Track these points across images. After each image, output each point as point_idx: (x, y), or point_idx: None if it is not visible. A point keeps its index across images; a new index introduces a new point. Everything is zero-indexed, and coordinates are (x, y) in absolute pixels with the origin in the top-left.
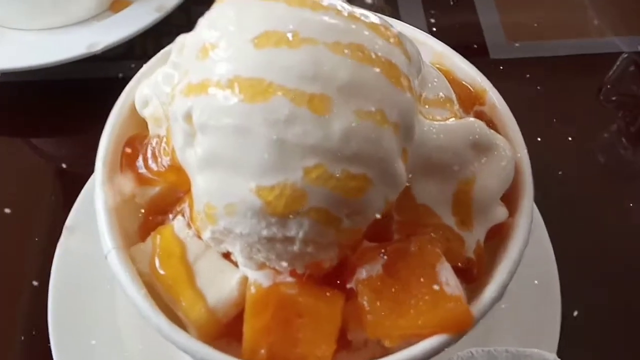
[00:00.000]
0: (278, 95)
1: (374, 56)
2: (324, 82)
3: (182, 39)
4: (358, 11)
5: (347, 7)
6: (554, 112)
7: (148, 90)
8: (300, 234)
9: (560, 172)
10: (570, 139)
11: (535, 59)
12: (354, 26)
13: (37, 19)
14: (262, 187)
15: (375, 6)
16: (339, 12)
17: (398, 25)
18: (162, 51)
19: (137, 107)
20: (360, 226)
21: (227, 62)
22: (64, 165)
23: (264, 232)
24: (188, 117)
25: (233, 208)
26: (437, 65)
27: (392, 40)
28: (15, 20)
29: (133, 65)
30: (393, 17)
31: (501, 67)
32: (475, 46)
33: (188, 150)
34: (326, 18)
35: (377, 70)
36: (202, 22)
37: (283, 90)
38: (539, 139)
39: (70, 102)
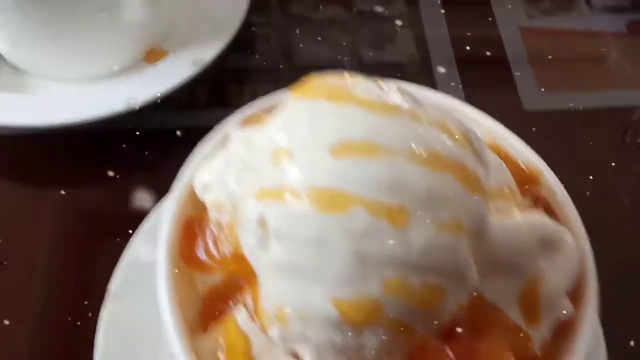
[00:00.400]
0: (356, 207)
1: (448, 161)
2: (401, 193)
3: (248, 134)
4: (428, 107)
5: (415, 102)
6: (590, 166)
7: (209, 177)
8: (374, 343)
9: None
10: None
11: (570, 110)
12: (425, 128)
13: (71, 70)
14: (339, 298)
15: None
16: (409, 113)
17: (450, 101)
18: (219, 135)
19: (197, 191)
20: (432, 332)
21: (302, 170)
22: (100, 220)
23: (338, 340)
24: (261, 221)
25: (306, 315)
26: (489, 142)
27: (462, 138)
28: (48, 69)
29: (168, 115)
30: None
31: (534, 119)
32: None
33: (259, 251)
34: (399, 122)
35: (452, 177)
36: (274, 125)
37: (361, 202)
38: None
39: (104, 152)
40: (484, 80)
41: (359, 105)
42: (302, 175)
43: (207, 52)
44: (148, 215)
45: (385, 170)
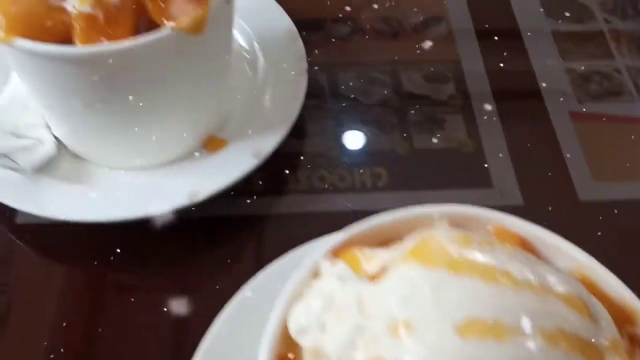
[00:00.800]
0: None
1: (574, 341)
2: None
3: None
4: (548, 276)
5: (536, 270)
6: None
7: (305, 319)
8: None
9: None
10: None
11: (627, 201)
12: (551, 304)
13: (132, 159)
14: None
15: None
16: (531, 286)
17: (535, 230)
18: (308, 267)
19: (292, 331)
20: None
21: (427, 348)
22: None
23: None
24: None
25: None
26: (578, 276)
27: (583, 311)
28: (109, 159)
29: (222, 202)
30: None
31: (590, 209)
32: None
33: None
34: (523, 298)
35: (577, 355)
36: (393, 299)
37: None
38: None
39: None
40: (539, 174)
41: (484, 279)
42: (426, 353)
43: (266, 143)
44: (209, 330)
45: (513, 355)
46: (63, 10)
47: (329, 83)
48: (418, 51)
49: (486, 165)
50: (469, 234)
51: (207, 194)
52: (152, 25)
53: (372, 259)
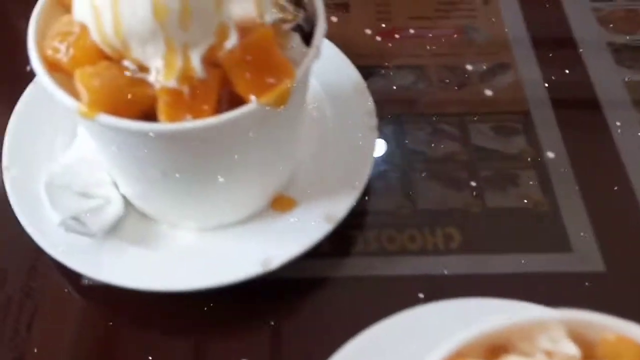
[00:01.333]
0: None
1: None
2: None
3: None
4: None
5: None
6: None
7: None
8: None
9: None
10: None
11: None
12: None
13: (201, 220)
14: None
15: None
16: None
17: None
18: None
19: None
20: None
21: None
22: None
23: None
24: None
25: None
26: None
27: None
28: (177, 220)
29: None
30: None
31: None
32: None
33: None
34: None
35: None
36: None
37: None
38: None
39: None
40: (621, 236)
41: None
42: None
43: (338, 206)
44: None
45: None
46: (146, 82)
47: (394, 135)
48: (485, 101)
49: (563, 227)
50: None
51: (280, 262)
52: (233, 95)
53: None
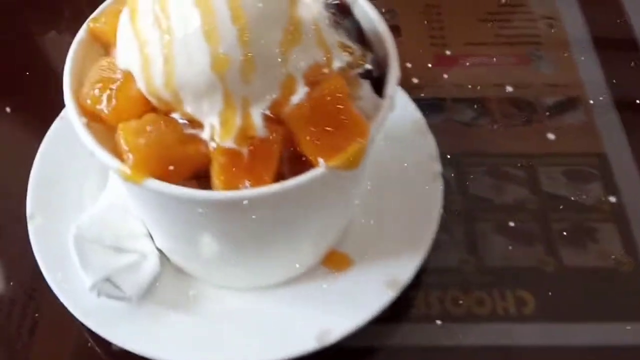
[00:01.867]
0: None
1: None
2: None
3: None
4: None
5: None
6: None
7: None
8: None
9: None
10: None
11: None
12: None
13: (245, 280)
14: None
15: None
16: None
17: None
18: None
19: None
20: None
21: None
22: None
23: None
24: None
25: None
26: None
27: None
28: (217, 278)
29: None
30: None
31: None
32: None
33: None
34: None
35: None
36: None
37: None
38: None
39: None
40: None
41: None
42: None
43: (402, 269)
44: None
45: None
46: (198, 139)
47: (455, 178)
48: (555, 141)
49: None
50: None
51: (337, 337)
52: (295, 153)
53: None
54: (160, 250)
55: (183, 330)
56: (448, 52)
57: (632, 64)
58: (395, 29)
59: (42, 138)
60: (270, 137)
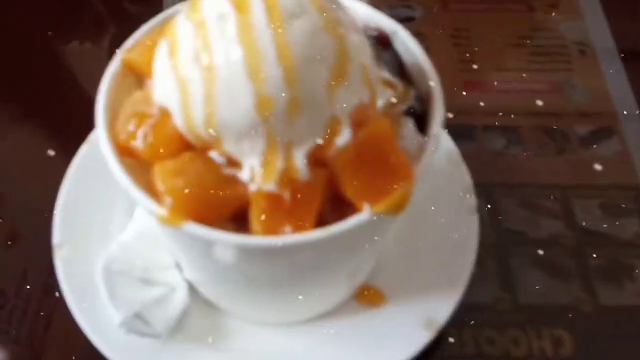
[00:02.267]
0: None
1: None
2: None
3: None
4: None
5: None
6: None
7: None
8: None
9: None
10: None
11: None
12: None
13: (275, 316)
14: None
15: None
16: None
17: None
18: None
19: None
20: None
21: None
22: None
23: None
24: None
25: None
26: None
27: None
28: (247, 314)
29: None
30: None
31: None
32: None
33: None
34: None
35: None
36: None
37: None
38: None
39: None
40: None
41: None
42: None
43: (438, 308)
44: None
45: None
46: (237, 180)
47: (487, 210)
48: (590, 172)
49: None
50: None
51: None
52: (337, 195)
53: None
54: (188, 282)
55: None
56: (478, 78)
57: None
58: None
59: (68, 157)
60: (313, 181)
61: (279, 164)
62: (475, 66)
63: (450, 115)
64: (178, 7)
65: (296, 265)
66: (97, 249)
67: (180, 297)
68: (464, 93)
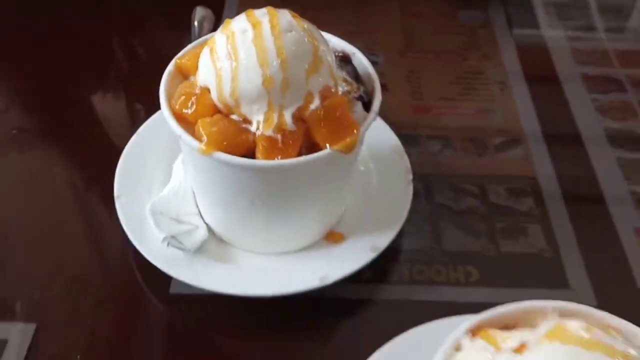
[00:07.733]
0: None
1: None
2: None
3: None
4: None
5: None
6: None
7: None
8: None
9: None
10: None
11: None
12: None
13: (271, 247)
14: None
15: None
16: None
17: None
18: (449, 345)
19: None
20: None
21: None
22: None
23: None
24: None
25: None
26: None
27: None
28: (251, 246)
29: (342, 287)
30: None
31: None
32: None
33: None
34: None
35: None
36: None
37: None
38: None
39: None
40: (609, 278)
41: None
42: None
43: (382, 240)
44: None
45: None
46: (249, 131)
47: (425, 191)
48: (500, 168)
49: (562, 268)
50: (589, 325)
51: (335, 277)
52: (311, 143)
53: (508, 338)
54: (208, 225)
55: (224, 273)
56: (424, 104)
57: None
58: (384, 86)
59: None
60: (296, 130)
61: (275, 119)
62: (423, 96)
63: (402, 129)
64: (207, 36)
65: (284, 186)
66: (144, 200)
67: (201, 232)
68: (414, 114)
